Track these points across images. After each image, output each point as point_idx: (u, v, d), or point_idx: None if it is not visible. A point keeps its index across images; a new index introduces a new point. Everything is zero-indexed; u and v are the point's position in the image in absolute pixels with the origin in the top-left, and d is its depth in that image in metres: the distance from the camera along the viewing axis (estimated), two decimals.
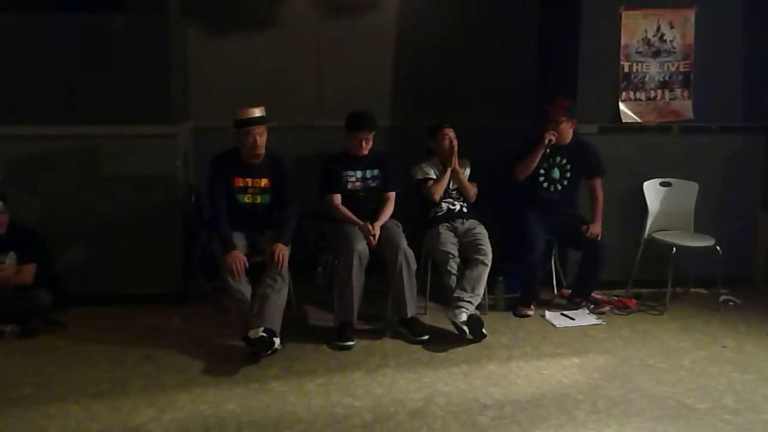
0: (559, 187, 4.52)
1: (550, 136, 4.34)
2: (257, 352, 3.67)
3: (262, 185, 4.10)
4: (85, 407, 3.23)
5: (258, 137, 3.98)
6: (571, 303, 4.54)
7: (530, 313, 4.42)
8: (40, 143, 4.41)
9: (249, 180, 4.08)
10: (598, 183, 4.52)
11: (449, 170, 4.44)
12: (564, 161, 4.48)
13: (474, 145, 4.56)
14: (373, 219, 4.20)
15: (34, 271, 4.18)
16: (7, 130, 4.35)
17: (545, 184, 4.51)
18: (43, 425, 3.07)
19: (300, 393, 3.38)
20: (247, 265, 3.87)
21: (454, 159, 4.42)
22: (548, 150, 4.40)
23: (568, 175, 4.50)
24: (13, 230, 4.19)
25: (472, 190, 4.52)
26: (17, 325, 4.09)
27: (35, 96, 4.36)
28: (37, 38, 4.32)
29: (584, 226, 4.40)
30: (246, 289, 3.84)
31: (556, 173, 4.49)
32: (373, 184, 4.32)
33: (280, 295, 3.82)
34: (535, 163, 4.41)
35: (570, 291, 4.63)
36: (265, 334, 3.65)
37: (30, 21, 4.30)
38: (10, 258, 4.17)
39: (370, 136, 4.25)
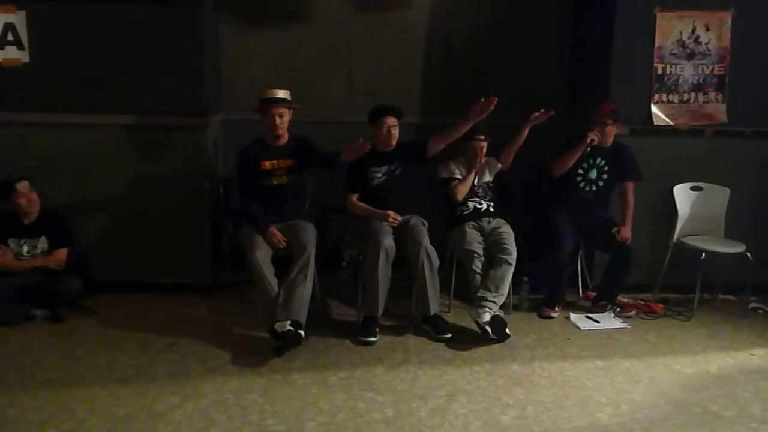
0: (594, 188, 4.49)
1: (593, 137, 4.32)
2: (284, 345, 3.70)
3: (288, 165, 4.17)
4: (111, 392, 3.29)
5: (277, 117, 4.07)
6: (596, 306, 4.50)
7: (554, 314, 4.39)
8: (73, 131, 4.48)
9: (275, 162, 4.15)
10: (631, 187, 4.49)
11: (474, 171, 4.43)
12: (602, 163, 4.45)
13: (503, 144, 4.53)
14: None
15: (66, 256, 4.27)
16: (43, 118, 4.42)
17: (581, 184, 4.48)
18: (70, 407, 3.13)
19: (323, 386, 3.40)
20: (283, 244, 3.97)
21: (477, 161, 4.43)
22: (588, 149, 4.37)
23: (605, 177, 4.47)
24: (43, 215, 4.29)
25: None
26: (46, 310, 4.18)
27: (69, 85, 4.42)
28: (73, 28, 4.38)
29: (615, 228, 4.36)
30: (273, 281, 3.87)
31: (594, 174, 4.46)
32: (398, 174, 4.31)
33: (305, 287, 3.83)
34: (573, 161, 4.39)
35: (595, 294, 4.59)
36: (292, 328, 3.69)
37: (66, 10, 4.36)
38: (42, 243, 4.26)
39: (397, 125, 4.25)
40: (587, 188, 4.49)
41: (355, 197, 4.31)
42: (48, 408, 3.13)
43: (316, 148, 4.22)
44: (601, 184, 4.49)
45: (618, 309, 4.48)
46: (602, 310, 4.46)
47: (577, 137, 4.40)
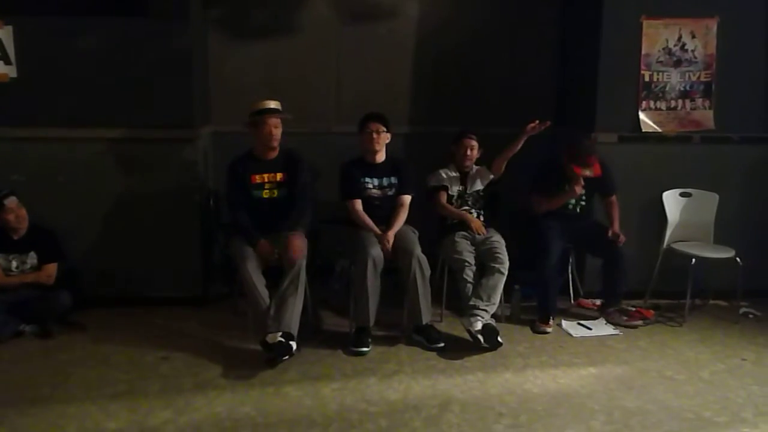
0: (577, 207, 4.51)
1: (581, 191, 4.34)
2: (275, 357, 3.68)
3: (278, 179, 4.17)
4: (102, 408, 3.26)
5: (273, 128, 4.07)
6: (606, 314, 4.47)
7: (549, 330, 4.30)
8: (62, 145, 4.46)
9: (266, 175, 4.15)
10: (614, 199, 4.51)
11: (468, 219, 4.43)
12: None
13: (493, 153, 4.55)
14: (388, 225, 4.20)
15: (56, 271, 4.24)
16: (31, 133, 4.41)
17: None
18: (61, 425, 3.10)
19: (315, 397, 3.38)
20: (275, 256, 3.95)
21: (466, 161, 4.45)
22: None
23: (583, 195, 4.46)
24: (32, 230, 4.26)
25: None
26: (36, 326, 4.14)
27: (58, 99, 4.41)
28: (62, 42, 4.37)
29: (611, 232, 4.37)
30: (264, 293, 3.86)
31: None
32: (391, 192, 4.33)
33: (297, 299, 3.83)
34: (560, 205, 4.42)
35: (600, 303, 4.59)
36: (283, 339, 3.68)
37: (55, 25, 4.35)
38: (31, 259, 4.23)
39: (382, 131, 4.25)
40: (569, 206, 4.49)
41: (358, 204, 4.26)
42: (38, 425, 3.10)
43: (304, 175, 4.20)
44: (582, 202, 4.51)
45: (625, 318, 4.43)
46: (613, 317, 4.44)
47: (554, 165, 4.41)
